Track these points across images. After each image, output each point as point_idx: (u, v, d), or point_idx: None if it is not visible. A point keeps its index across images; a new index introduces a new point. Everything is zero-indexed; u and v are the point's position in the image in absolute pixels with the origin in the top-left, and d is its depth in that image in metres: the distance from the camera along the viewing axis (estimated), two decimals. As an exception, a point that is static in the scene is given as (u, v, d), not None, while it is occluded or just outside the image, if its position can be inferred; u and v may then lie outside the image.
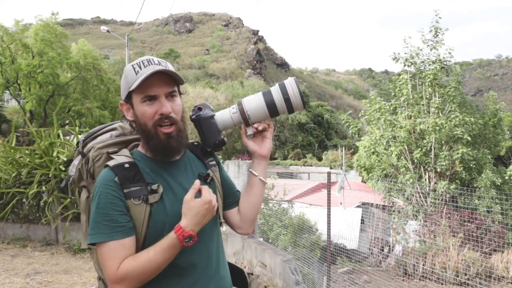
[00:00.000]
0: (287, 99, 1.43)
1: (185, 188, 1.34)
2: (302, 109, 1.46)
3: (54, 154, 6.60)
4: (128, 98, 1.35)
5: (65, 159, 6.45)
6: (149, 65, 1.31)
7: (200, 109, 1.47)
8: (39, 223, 6.81)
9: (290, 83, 1.46)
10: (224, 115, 1.47)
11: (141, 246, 1.28)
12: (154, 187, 1.29)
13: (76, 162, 1.49)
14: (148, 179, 1.31)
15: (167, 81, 1.32)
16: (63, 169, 6.40)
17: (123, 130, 1.52)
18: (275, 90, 1.45)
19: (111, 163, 1.31)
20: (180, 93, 1.39)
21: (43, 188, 6.48)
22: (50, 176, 6.43)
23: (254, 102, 1.45)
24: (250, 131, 1.48)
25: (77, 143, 1.54)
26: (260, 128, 1.47)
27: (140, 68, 1.31)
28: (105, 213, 1.24)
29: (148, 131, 1.32)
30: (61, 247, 6.54)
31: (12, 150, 7.12)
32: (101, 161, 1.39)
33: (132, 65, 1.34)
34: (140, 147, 1.41)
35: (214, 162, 1.52)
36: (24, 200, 6.90)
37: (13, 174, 6.74)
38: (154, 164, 1.36)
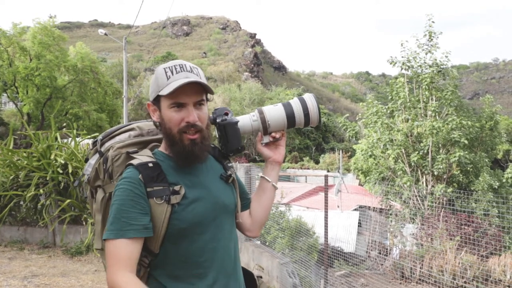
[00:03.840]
0: (306, 114, 1.51)
1: (208, 189, 1.37)
2: (317, 124, 1.55)
3: (52, 157, 6.58)
4: (156, 100, 1.35)
5: (62, 162, 6.44)
6: (181, 71, 1.32)
7: (226, 114, 1.50)
8: (37, 225, 6.79)
9: (310, 99, 1.54)
10: (245, 121, 1.52)
11: (159, 245, 1.30)
12: (177, 188, 1.30)
13: (92, 161, 1.49)
14: (171, 180, 1.32)
15: (197, 90, 1.33)
16: (61, 172, 6.40)
17: (141, 131, 1.52)
18: (295, 104, 1.52)
19: (135, 161, 1.32)
20: (207, 100, 1.41)
21: (41, 190, 6.46)
22: (47, 179, 6.41)
23: (275, 113, 1.51)
24: (266, 139, 1.54)
25: (94, 142, 1.54)
26: (277, 136, 1.54)
27: (172, 73, 1.31)
28: (126, 209, 1.25)
29: (173, 136, 1.33)
30: (58, 250, 6.52)
31: (9, 153, 7.10)
32: (120, 160, 1.40)
33: (164, 68, 1.34)
34: (162, 148, 1.41)
35: (231, 164, 1.55)
36: (21, 202, 6.88)
37: (11, 177, 6.73)
38: (176, 164, 1.37)
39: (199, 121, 1.33)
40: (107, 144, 1.47)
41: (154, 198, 1.28)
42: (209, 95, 1.41)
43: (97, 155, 1.48)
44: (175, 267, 1.32)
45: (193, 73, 1.33)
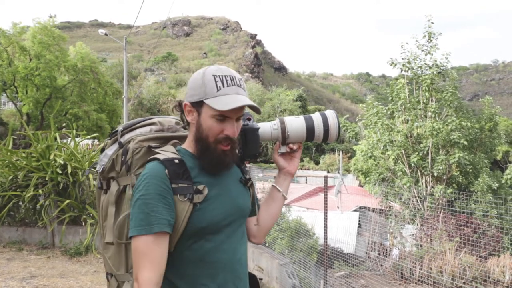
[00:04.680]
0: (326, 130, 1.52)
1: (227, 191, 1.38)
2: (335, 141, 1.57)
3: (51, 157, 6.58)
4: (198, 104, 1.33)
5: (62, 162, 6.44)
6: (232, 85, 1.31)
7: (249, 119, 1.51)
8: (35, 226, 6.78)
9: (332, 116, 1.55)
10: (265, 129, 1.53)
11: (175, 242, 1.29)
12: (200, 187, 1.31)
13: (109, 151, 1.47)
14: (195, 178, 1.32)
15: (243, 106, 1.33)
16: (60, 172, 6.39)
17: (162, 126, 1.51)
18: (316, 119, 1.54)
19: (160, 156, 1.31)
20: None
21: (40, 191, 6.45)
22: (46, 179, 6.40)
23: (296, 124, 1.52)
24: (283, 149, 1.56)
25: (112, 132, 1.52)
26: (294, 148, 1.56)
27: (223, 85, 1.30)
28: (154, 204, 1.24)
29: (208, 144, 1.33)
30: (57, 250, 6.51)
31: (8, 153, 7.10)
32: (140, 153, 1.39)
33: (214, 76, 1.31)
34: (186, 145, 1.40)
35: (247, 168, 1.56)
36: (20, 203, 6.87)
37: (10, 177, 6.72)
38: (200, 164, 1.37)
39: (235, 134, 1.35)
40: (127, 136, 1.46)
41: (178, 195, 1.27)
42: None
43: (115, 146, 1.46)
44: (188, 266, 1.32)
45: (241, 87, 1.33)
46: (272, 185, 1.61)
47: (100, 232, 1.51)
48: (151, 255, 1.22)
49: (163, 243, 1.25)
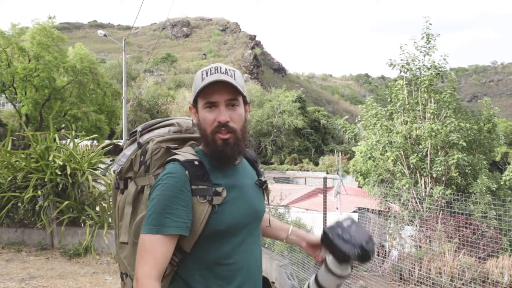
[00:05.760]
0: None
1: (244, 193, 1.39)
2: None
3: (50, 158, 6.56)
4: (195, 102, 1.38)
5: (61, 163, 6.43)
6: (215, 72, 1.33)
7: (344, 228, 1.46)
8: (34, 227, 6.77)
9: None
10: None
11: (192, 245, 1.30)
12: (219, 189, 1.31)
13: (128, 152, 1.47)
14: (216, 180, 1.33)
15: (230, 90, 1.34)
16: (59, 173, 6.38)
17: (180, 127, 1.52)
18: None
19: (180, 157, 1.32)
20: (246, 103, 1.41)
21: (39, 192, 6.45)
22: (45, 180, 6.40)
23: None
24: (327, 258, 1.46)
25: (132, 133, 1.52)
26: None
27: (207, 75, 1.34)
28: (169, 205, 1.24)
29: (206, 136, 1.34)
30: (56, 251, 6.50)
31: (7, 154, 7.09)
32: (159, 154, 1.40)
33: (201, 71, 1.37)
34: (202, 146, 1.42)
35: (262, 170, 1.56)
36: (19, 204, 6.86)
37: (9, 178, 6.71)
38: (215, 165, 1.37)
39: (232, 122, 1.33)
40: (146, 137, 1.46)
41: (198, 196, 1.27)
42: (248, 98, 1.43)
43: (134, 146, 1.47)
44: (204, 268, 1.32)
45: (227, 74, 1.34)
46: (292, 228, 1.66)
47: (115, 231, 1.52)
48: (156, 252, 1.23)
49: (170, 244, 1.25)
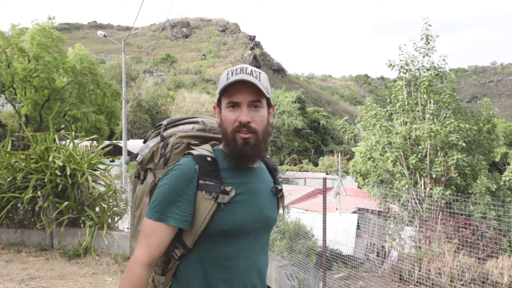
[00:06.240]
0: None
1: (257, 198, 1.38)
2: None
3: (50, 159, 6.56)
4: (219, 101, 1.40)
5: (60, 164, 6.43)
6: (240, 73, 1.34)
7: None
8: (34, 228, 6.77)
9: None
10: None
11: (194, 240, 1.31)
12: (228, 188, 1.31)
13: (151, 143, 1.51)
14: (225, 179, 1.33)
15: (253, 90, 1.33)
16: (59, 174, 6.38)
17: (204, 126, 1.53)
18: None
19: (194, 152, 1.35)
20: (270, 106, 1.42)
21: (38, 193, 6.45)
22: (45, 181, 6.40)
23: None
24: None
25: (157, 126, 1.56)
26: None
27: (232, 75, 1.35)
28: (174, 197, 1.27)
29: (227, 135, 1.35)
30: (56, 252, 6.50)
31: (7, 155, 7.09)
32: (179, 149, 1.43)
33: (227, 71, 1.38)
34: (222, 146, 1.42)
35: (281, 179, 1.56)
36: (19, 205, 6.86)
37: (8, 179, 6.70)
38: (233, 165, 1.37)
39: (253, 123, 1.33)
40: (169, 131, 1.50)
41: (204, 191, 1.29)
42: (272, 101, 1.46)
43: (157, 139, 1.50)
44: (205, 266, 1.32)
45: (252, 75, 1.34)
46: None
47: (131, 221, 1.54)
48: (152, 239, 1.27)
49: (169, 234, 1.28)
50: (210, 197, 1.28)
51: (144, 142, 1.56)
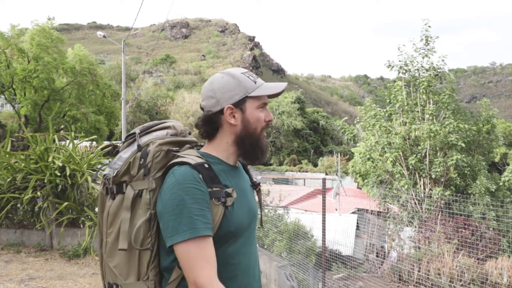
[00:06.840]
0: None
1: (246, 194, 1.43)
2: None
3: (50, 159, 6.56)
4: (240, 102, 1.38)
5: (60, 164, 6.43)
6: (257, 78, 1.44)
7: None
8: (34, 228, 6.77)
9: None
10: None
11: None
12: (229, 190, 1.32)
13: (125, 154, 1.40)
14: (224, 181, 1.34)
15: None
16: (58, 174, 6.38)
17: (176, 130, 1.50)
18: None
19: (190, 161, 1.30)
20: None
21: (38, 193, 6.45)
22: (45, 181, 6.39)
23: None
24: None
25: (128, 135, 1.47)
26: None
27: (255, 78, 1.43)
28: (199, 208, 1.24)
29: (257, 136, 1.40)
30: (55, 252, 6.50)
31: (7, 155, 7.09)
32: (160, 157, 1.36)
33: (243, 74, 1.42)
34: (209, 149, 1.41)
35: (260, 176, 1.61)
36: (18, 205, 6.86)
37: (8, 179, 6.70)
38: (225, 167, 1.39)
39: None
40: (145, 139, 1.41)
41: (213, 199, 1.28)
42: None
43: (131, 149, 1.40)
44: None
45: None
46: None
47: (101, 239, 1.40)
48: (205, 255, 1.22)
49: (211, 244, 1.24)
50: (219, 203, 1.28)
51: (115, 154, 1.44)
